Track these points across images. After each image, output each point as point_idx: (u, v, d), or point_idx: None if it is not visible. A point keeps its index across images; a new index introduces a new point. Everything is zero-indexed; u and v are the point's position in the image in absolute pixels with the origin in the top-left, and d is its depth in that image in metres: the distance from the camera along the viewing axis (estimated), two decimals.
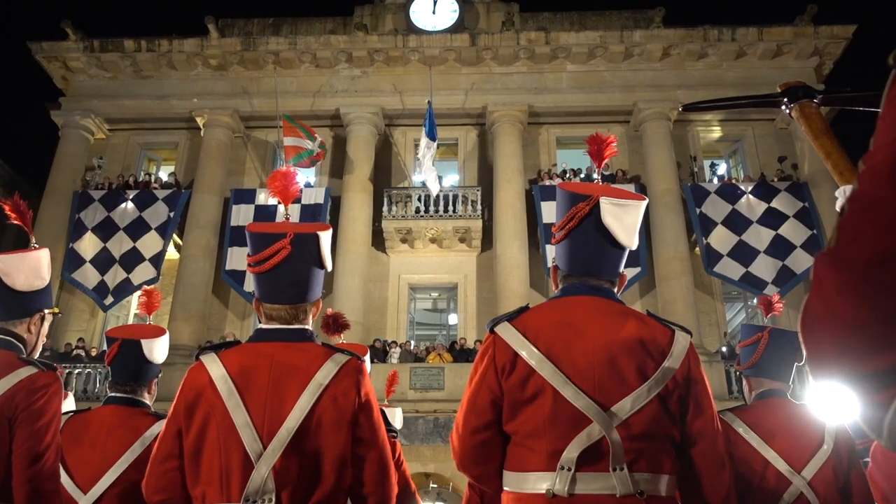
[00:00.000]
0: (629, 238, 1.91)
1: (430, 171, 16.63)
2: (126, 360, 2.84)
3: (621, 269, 1.99)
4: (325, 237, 2.07)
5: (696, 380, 1.84)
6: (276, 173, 2.19)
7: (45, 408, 2.14)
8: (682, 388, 1.81)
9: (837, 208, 1.46)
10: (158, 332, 2.96)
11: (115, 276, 17.02)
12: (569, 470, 1.69)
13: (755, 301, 16.75)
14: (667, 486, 1.74)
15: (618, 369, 1.76)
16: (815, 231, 16.51)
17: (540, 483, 1.72)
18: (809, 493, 2.41)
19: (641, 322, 1.88)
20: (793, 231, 16.59)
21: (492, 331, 1.89)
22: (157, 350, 2.92)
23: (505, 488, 1.83)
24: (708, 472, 1.82)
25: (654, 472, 1.72)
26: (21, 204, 2.40)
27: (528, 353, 1.79)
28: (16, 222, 2.40)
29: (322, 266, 2.08)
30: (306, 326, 2.07)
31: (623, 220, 1.90)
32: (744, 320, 17.43)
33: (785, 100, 1.80)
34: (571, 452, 1.70)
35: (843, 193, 1.47)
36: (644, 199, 1.98)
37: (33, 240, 2.44)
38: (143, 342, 2.85)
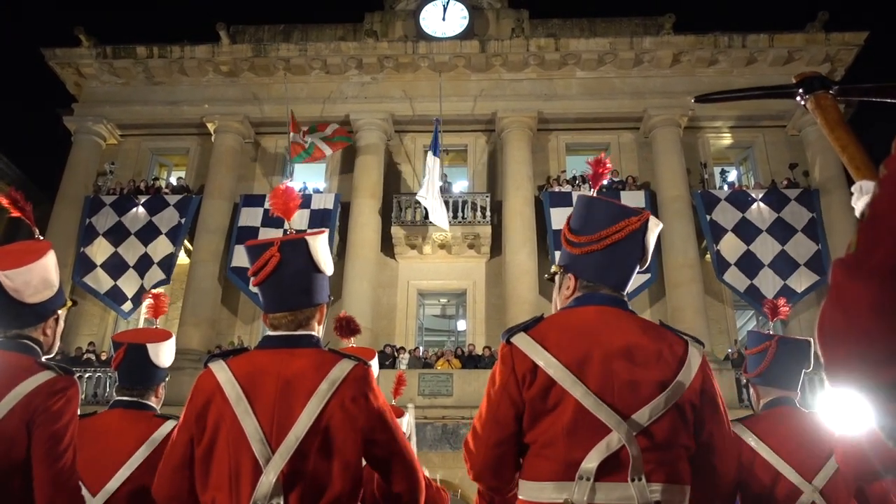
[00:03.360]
0: (649, 257, 1.97)
1: (436, 199, 16.51)
2: (132, 364, 2.84)
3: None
4: (317, 241, 2.08)
5: (710, 391, 1.86)
6: (276, 190, 2.21)
7: (63, 410, 2.14)
8: (697, 399, 1.82)
9: (853, 204, 1.43)
10: (164, 335, 2.95)
11: (132, 281, 17.14)
12: (588, 480, 1.68)
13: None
14: (683, 497, 1.75)
15: (636, 380, 1.76)
16: (819, 246, 16.45)
17: (558, 493, 1.71)
18: (821, 502, 2.40)
19: (657, 333, 1.88)
20: (798, 248, 16.53)
21: (508, 341, 1.87)
22: (164, 354, 2.91)
23: (520, 497, 1.82)
24: (724, 480, 1.85)
25: (671, 482, 1.73)
26: (18, 196, 2.35)
27: (547, 362, 1.78)
28: (16, 215, 2.35)
29: (318, 270, 2.09)
30: (312, 332, 2.08)
31: (654, 239, 1.96)
32: (754, 328, 17.33)
33: (800, 91, 1.77)
34: (591, 462, 1.69)
35: (859, 189, 1.44)
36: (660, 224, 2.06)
37: (37, 232, 2.40)
38: (150, 346, 2.84)
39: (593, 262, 1.94)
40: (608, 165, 2.17)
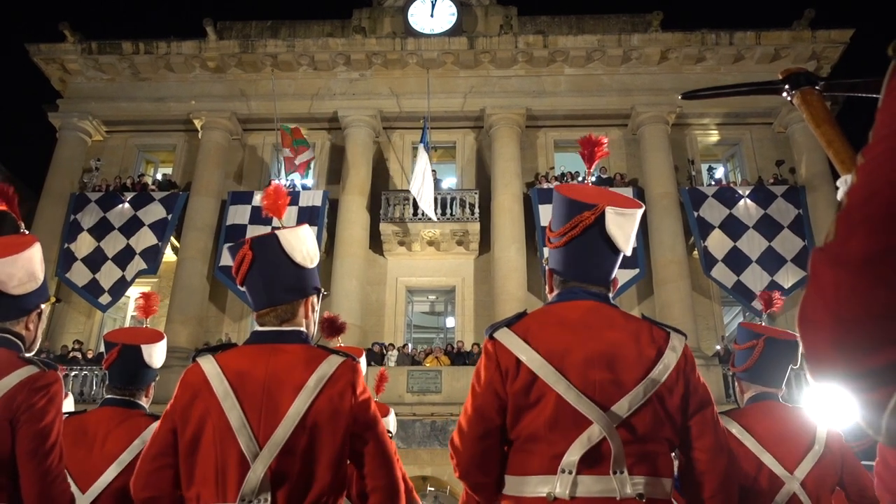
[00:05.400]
0: (627, 245, 1.93)
1: (427, 190, 16.58)
2: (125, 364, 2.84)
3: (615, 273, 2.02)
4: (290, 235, 2.07)
5: (692, 379, 1.86)
6: (267, 190, 2.21)
7: (48, 408, 2.10)
8: (679, 388, 1.82)
9: (839, 198, 1.44)
10: (157, 336, 2.96)
11: (110, 274, 16.96)
12: (570, 473, 1.69)
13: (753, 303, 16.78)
14: (665, 490, 1.75)
15: (616, 372, 1.77)
16: (806, 243, 16.59)
17: (541, 486, 1.72)
18: (802, 493, 2.45)
19: (638, 325, 1.90)
20: (785, 244, 16.65)
21: (491, 337, 1.89)
22: (157, 355, 2.92)
23: (504, 493, 1.83)
24: (714, 467, 1.83)
25: (653, 475, 1.73)
26: (7, 189, 2.28)
27: (530, 357, 1.79)
28: (2, 208, 2.29)
29: (296, 264, 2.08)
30: (300, 328, 2.08)
31: (624, 228, 1.91)
32: (744, 321, 17.42)
33: (786, 86, 1.78)
34: (572, 456, 1.70)
35: (844, 183, 1.45)
36: (641, 206, 2.00)
37: (22, 226, 2.36)
38: (143, 347, 2.84)
39: (560, 257, 1.97)
40: (603, 141, 2.15)
